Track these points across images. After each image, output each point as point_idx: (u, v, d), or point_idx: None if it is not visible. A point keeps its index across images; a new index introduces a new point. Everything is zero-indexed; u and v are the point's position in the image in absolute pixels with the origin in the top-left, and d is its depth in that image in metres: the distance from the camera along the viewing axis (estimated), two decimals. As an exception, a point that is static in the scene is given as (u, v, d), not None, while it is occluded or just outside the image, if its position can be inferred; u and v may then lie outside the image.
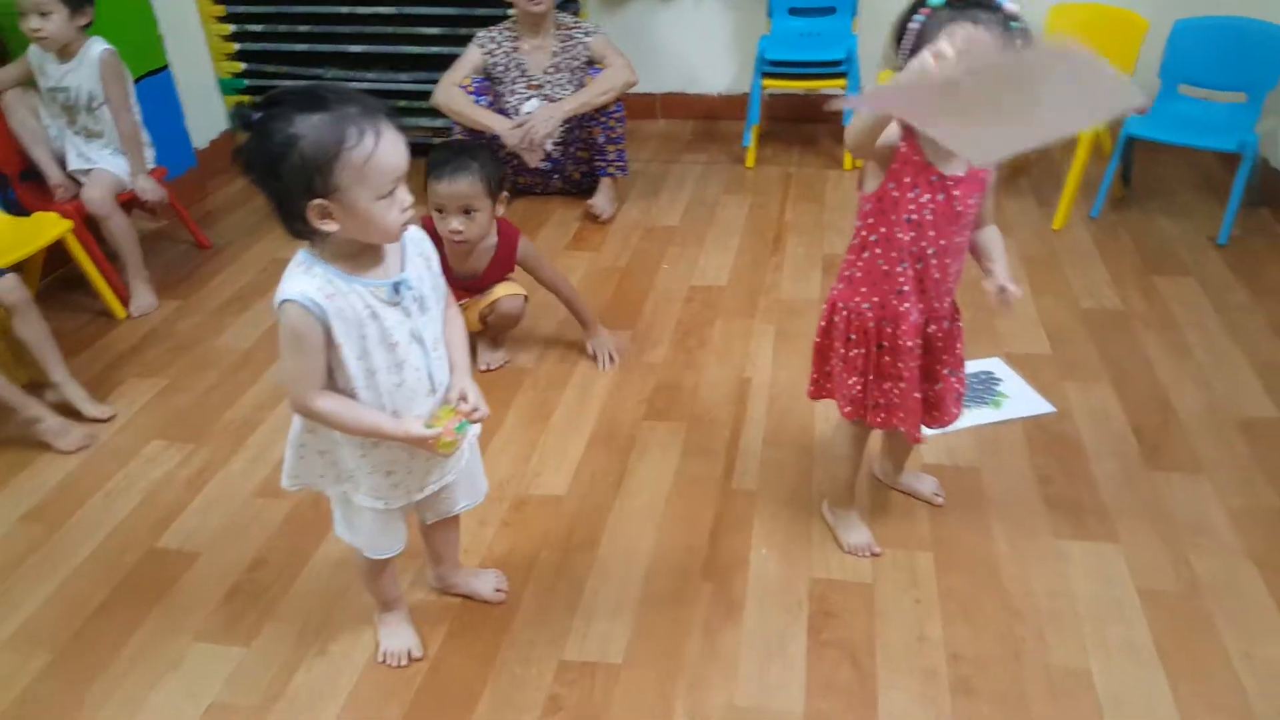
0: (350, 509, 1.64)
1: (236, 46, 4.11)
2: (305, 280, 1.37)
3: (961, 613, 1.88)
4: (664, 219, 3.58)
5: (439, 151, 2.48)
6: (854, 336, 1.80)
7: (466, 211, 2.43)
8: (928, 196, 1.65)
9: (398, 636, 1.84)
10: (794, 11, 3.98)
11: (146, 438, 2.49)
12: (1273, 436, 2.31)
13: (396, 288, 1.43)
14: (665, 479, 2.27)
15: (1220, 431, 2.34)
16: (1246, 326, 2.75)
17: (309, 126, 1.26)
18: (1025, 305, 2.89)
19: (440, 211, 2.45)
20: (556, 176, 3.68)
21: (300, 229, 1.35)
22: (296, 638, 1.89)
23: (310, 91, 1.29)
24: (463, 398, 1.53)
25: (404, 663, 1.82)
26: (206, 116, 4.06)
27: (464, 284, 2.61)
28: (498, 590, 1.95)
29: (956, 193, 1.65)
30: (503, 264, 2.63)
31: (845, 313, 1.80)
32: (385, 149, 1.29)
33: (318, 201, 1.30)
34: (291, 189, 1.29)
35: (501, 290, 2.64)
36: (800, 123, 4.32)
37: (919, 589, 1.94)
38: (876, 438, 2.11)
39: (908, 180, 1.65)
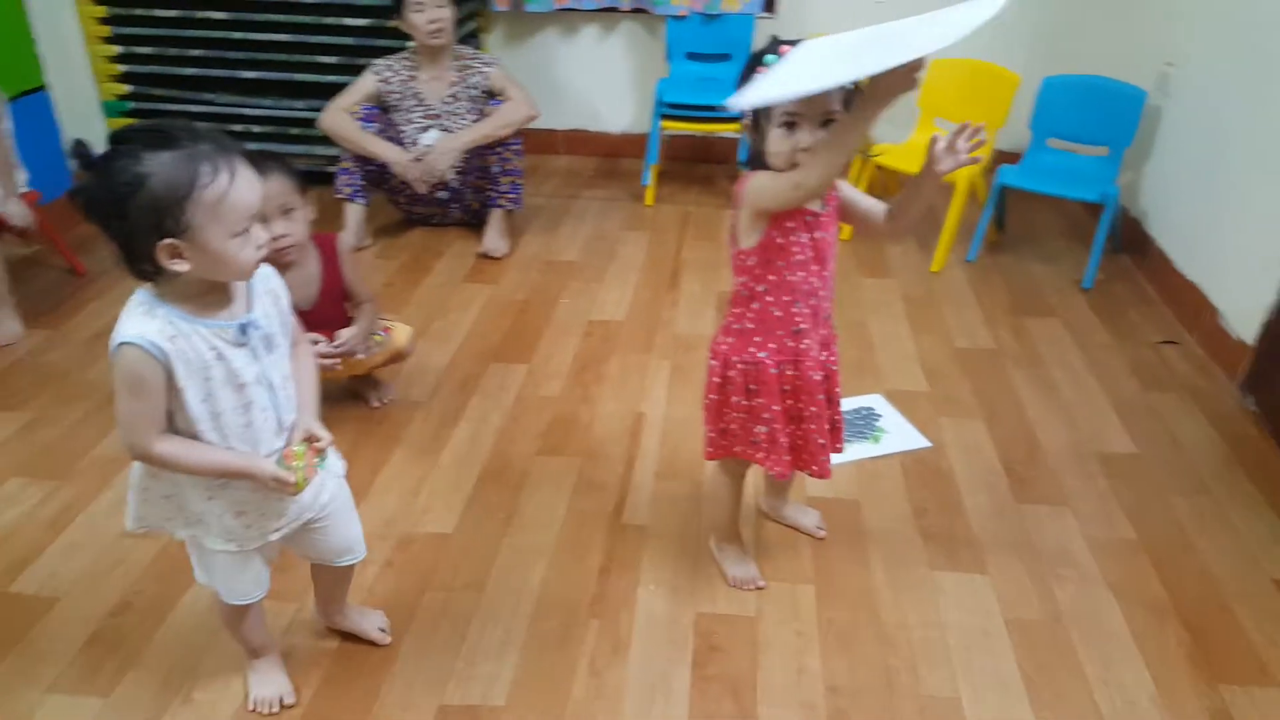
0: (204, 553, 1.58)
1: (122, 68, 3.99)
2: (145, 322, 1.32)
3: (840, 645, 1.94)
4: (564, 253, 3.61)
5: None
6: (754, 387, 1.83)
7: (286, 212, 2.26)
8: (806, 236, 1.72)
9: (269, 683, 1.77)
10: (691, 56, 4.09)
11: (4, 475, 2.36)
12: (1130, 471, 2.45)
13: (244, 329, 1.40)
14: (556, 515, 2.27)
15: (1083, 465, 2.47)
16: (1108, 366, 2.91)
17: (159, 164, 1.23)
18: (904, 343, 3.01)
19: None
20: (455, 206, 3.66)
21: (146, 270, 1.31)
22: (160, 686, 1.81)
23: (159, 129, 1.27)
24: (313, 438, 1.50)
25: (275, 710, 1.76)
26: (88, 139, 3.90)
27: (311, 320, 2.24)
28: (382, 630, 1.92)
29: (821, 232, 1.73)
30: (333, 279, 2.43)
31: (741, 366, 1.83)
32: (240, 186, 1.28)
33: (168, 241, 1.26)
34: (139, 229, 1.25)
35: (401, 337, 2.60)
36: (698, 163, 4.42)
37: (800, 621, 1.99)
38: (759, 472, 2.14)
39: (790, 225, 1.71)
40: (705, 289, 3.36)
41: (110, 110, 4.05)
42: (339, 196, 3.50)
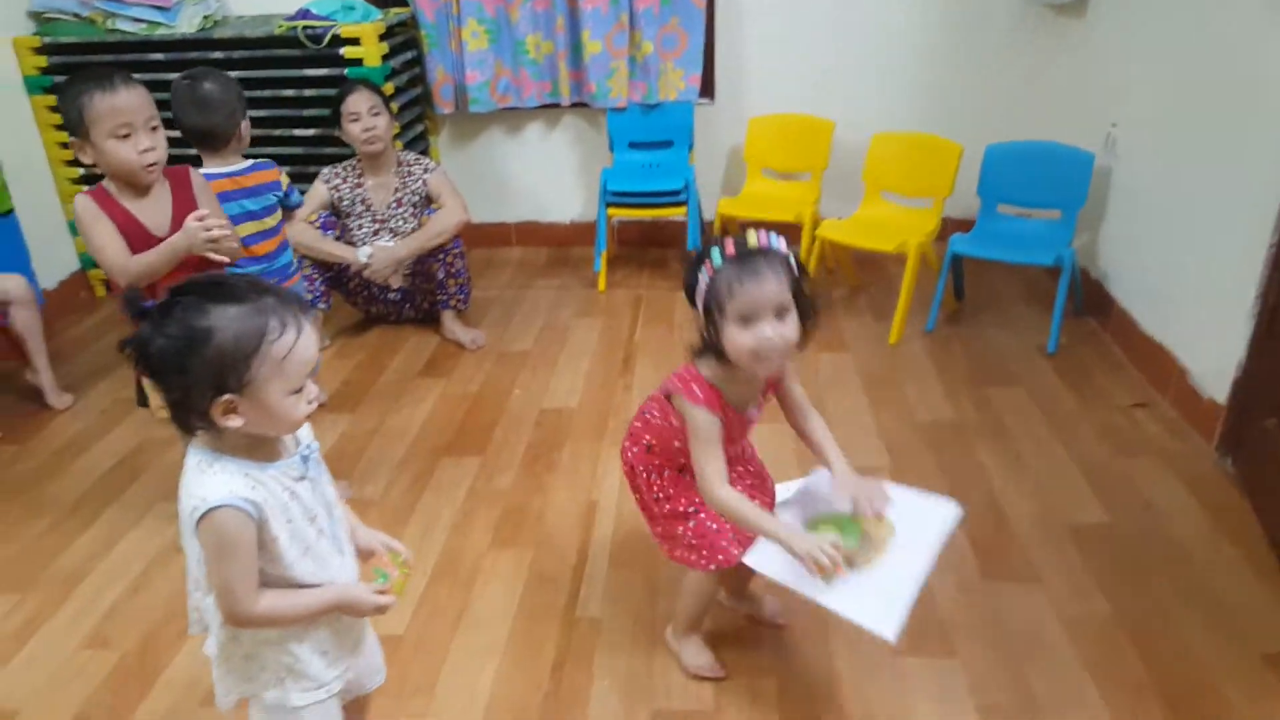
0: (286, 715, 1.46)
1: (85, 189, 4.02)
2: (225, 480, 1.25)
3: (800, 738, 1.87)
4: (517, 344, 3.61)
5: (81, 74, 2.15)
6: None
7: (153, 129, 2.16)
8: (734, 427, 1.84)
9: None
10: (634, 145, 4.16)
11: (-30, 589, 2.38)
12: (1102, 542, 2.37)
13: (305, 460, 1.36)
14: (508, 611, 2.23)
15: (1052, 539, 2.39)
16: (1076, 432, 2.85)
17: (227, 319, 1.20)
18: (863, 419, 2.98)
19: (126, 136, 2.10)
20: (408, 306, 3.73)
21: (197, 425, 1.26)
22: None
23: (222, 282, 1.24)
24: (391, 550, 1.49)
25: None
26: (55, 258, 3.99)
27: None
28: None
29: (751, 417, 1.88)
30: (186, 208, 2.23)
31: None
32: (304, 342, 1.25)
33: (226, 398, 1.22)
34: (198, 384, 1.21)
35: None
36: (648, 247, 4.47)
37: (760, 715, 1.93)
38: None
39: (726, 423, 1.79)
40: (659, 372, 3.34)
41: (75, 230, 4.08)
42: (300, 304, 3.52)
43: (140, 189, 2.21)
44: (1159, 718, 1.88)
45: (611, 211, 4.01)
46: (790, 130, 3.98)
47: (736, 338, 1.63)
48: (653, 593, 2.26)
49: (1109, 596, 2.19)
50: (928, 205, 3.60)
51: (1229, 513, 2.47)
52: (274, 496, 1.29)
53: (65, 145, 3.85)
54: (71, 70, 3.75)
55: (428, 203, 3.56)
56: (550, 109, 4.26)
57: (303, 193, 3.13)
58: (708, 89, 4.15)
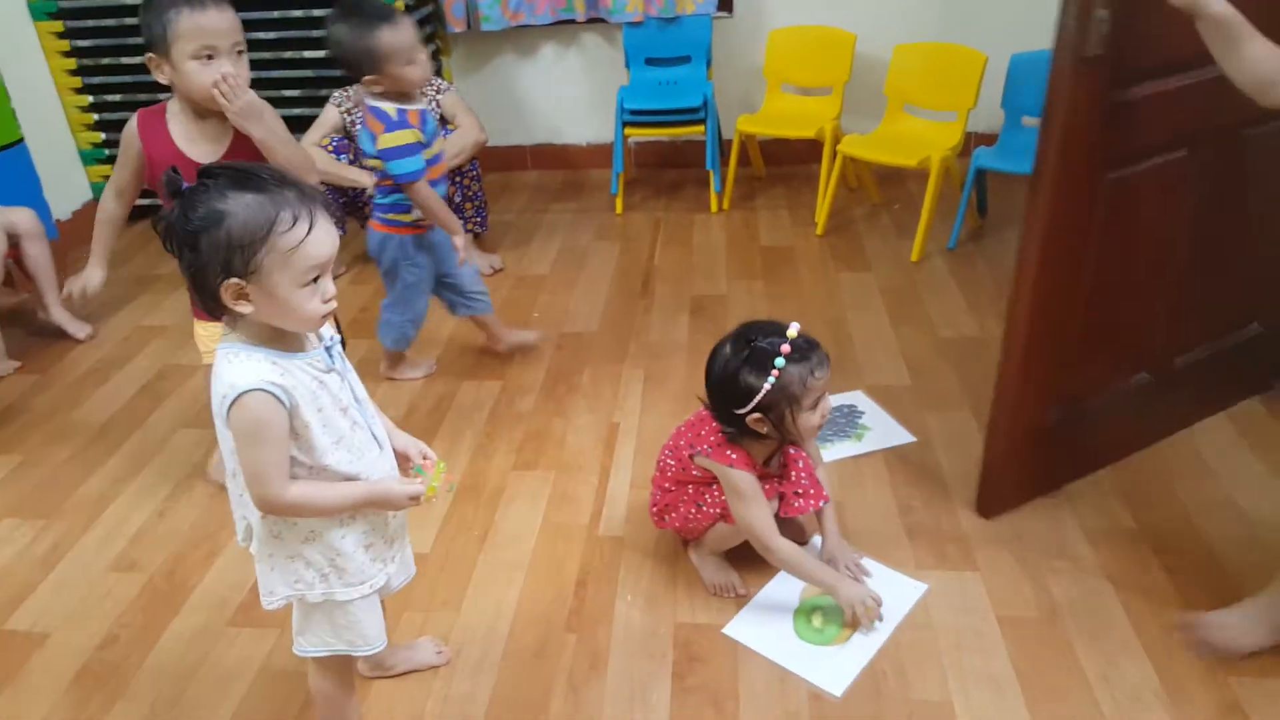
0: (335, 611, 1.50)
1: (95, 117, 4.01)
2: (253, 367, 1.28)
3: (823, 648, 1.89)
4: (535, 268, 3.59)
5: None
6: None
7: (239, 53, 2.04)
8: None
9: None
10: (650, 61, 4.06)
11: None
12: (1127, 459, 2.34)
13: (329, 352, 1.38)
14: (532, 530, 2.25)
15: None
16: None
17: (241, 205, 1.22)
18: (885, 337, 2.96)
19: (209, 58, 1.96)
20: (426, 233, 3.67)
21: (212, 307, 1.28)
22: (146, 717, 1.82)
23: (248, 170, 1.25)
24: (424, 454, 1.52)
25: None
26: (67, 188, 3.96)
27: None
28: (439, 652, 1.90)
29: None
30: (244, 141, 2.07)
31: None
32: (316, 237, 1.25)
33: (233, 281, 1.24)
34: (208, 264, 1.23)
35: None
36: (666, 168, 4.40)
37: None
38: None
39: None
40: (678, 295, 3.33)
41: (87, 159, 4.07)
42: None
43: (204, 116, 2.05)
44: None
45: (628, 131, 3.94)
46: (810, 43, 3.88)
47: (809, 420, 1.81)
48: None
49: (1133, 510, 2.18)
50: (951, 119, 3.51)
51: (1257, 428, 2.44)
52: (302, 385, 1.31)
53: (74, 73, 3.91)
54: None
55: (443, 124, 3.50)
56: (564, 26, 4.16)
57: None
58: (725, 2, 4.04)
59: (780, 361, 1.75)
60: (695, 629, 1.95)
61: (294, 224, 1.23)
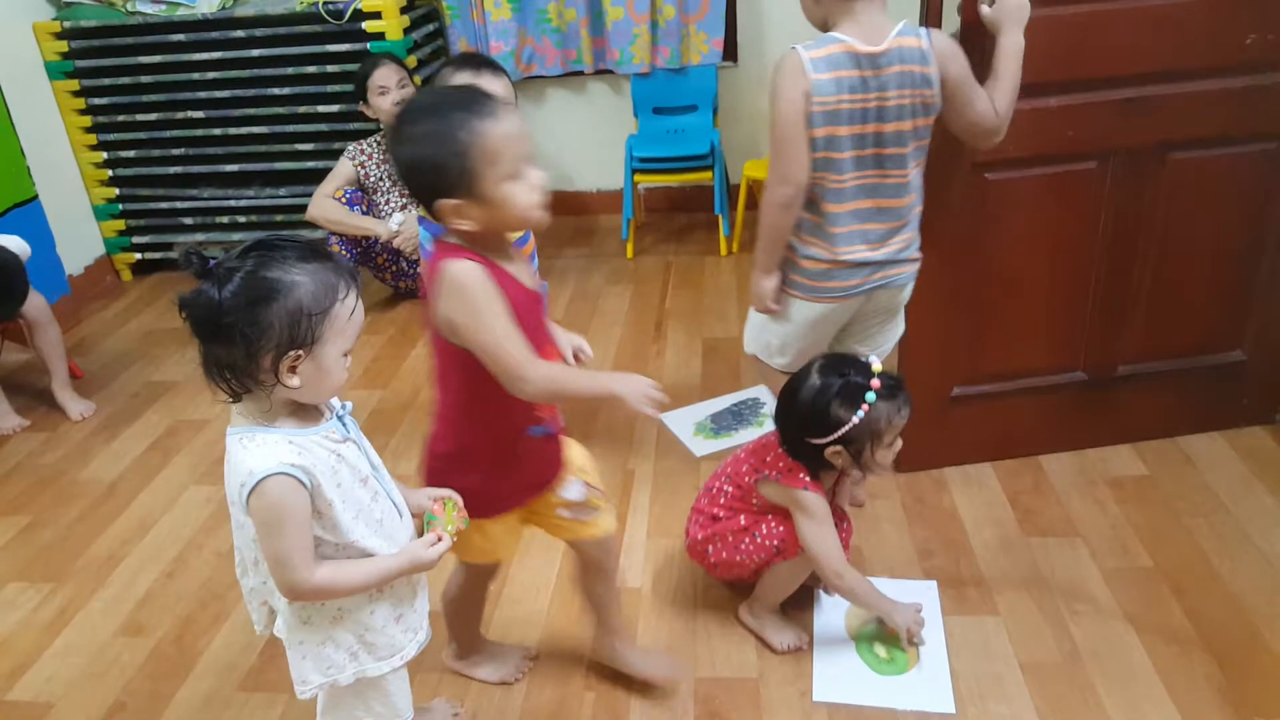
0: (367, 689, 1.45)
1: (110, 173, 4.05)
2: (270, 450, 1.23)
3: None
4: (548, 312, 3.56)
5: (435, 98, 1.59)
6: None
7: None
8: None
9: None
10: (658, 110, 4.11)
11: (5, 580, 2.38)
12: (1141, 494, 2.34)
13: (342, 421, 1.34)
14: (548, 582, 2.21)
15: (1091, 491, 2.36)
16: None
17: (306, 274, 1.20)
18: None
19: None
20: (439, 280, 3.68)
21: (250, 385, 1.23)
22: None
23: (283, 243, 1.22)
24: (437, 500, 1.47)
25: None
26: (80, 243, 3.99)
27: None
28: (455, 715, 1.88)
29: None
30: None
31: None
32: (360, 306, 1.27)
33: (295, 353, 1.20)
34: (269, 336, 1.18)
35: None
36: (675, 213, 4.43)
37: (804, 680, 1.90)
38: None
39: None
40: (690, 337, 3.32)
41: (100, 214, 4.09)
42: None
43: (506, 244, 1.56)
44: (1203, 667, 1.86)
45: (638, 178, 3.98)
46: (815, 90, 3.90)
47: (886, 457, 1.82)
48: (691, 562, 2.22)
49: (1149, 549, 2.17)
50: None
51: (1267, 463, 2.42)
52: (321, 462, 1.26)
53: (90, 130, 3.96)
54: (93, 54, 3.79)
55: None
56: (573, 76, 4.21)
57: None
58: (730, 52, 4.09)
59: (871, 396, 1.75)
60: (715, 683, 1.91)
61: (349, 291, 1.24)
